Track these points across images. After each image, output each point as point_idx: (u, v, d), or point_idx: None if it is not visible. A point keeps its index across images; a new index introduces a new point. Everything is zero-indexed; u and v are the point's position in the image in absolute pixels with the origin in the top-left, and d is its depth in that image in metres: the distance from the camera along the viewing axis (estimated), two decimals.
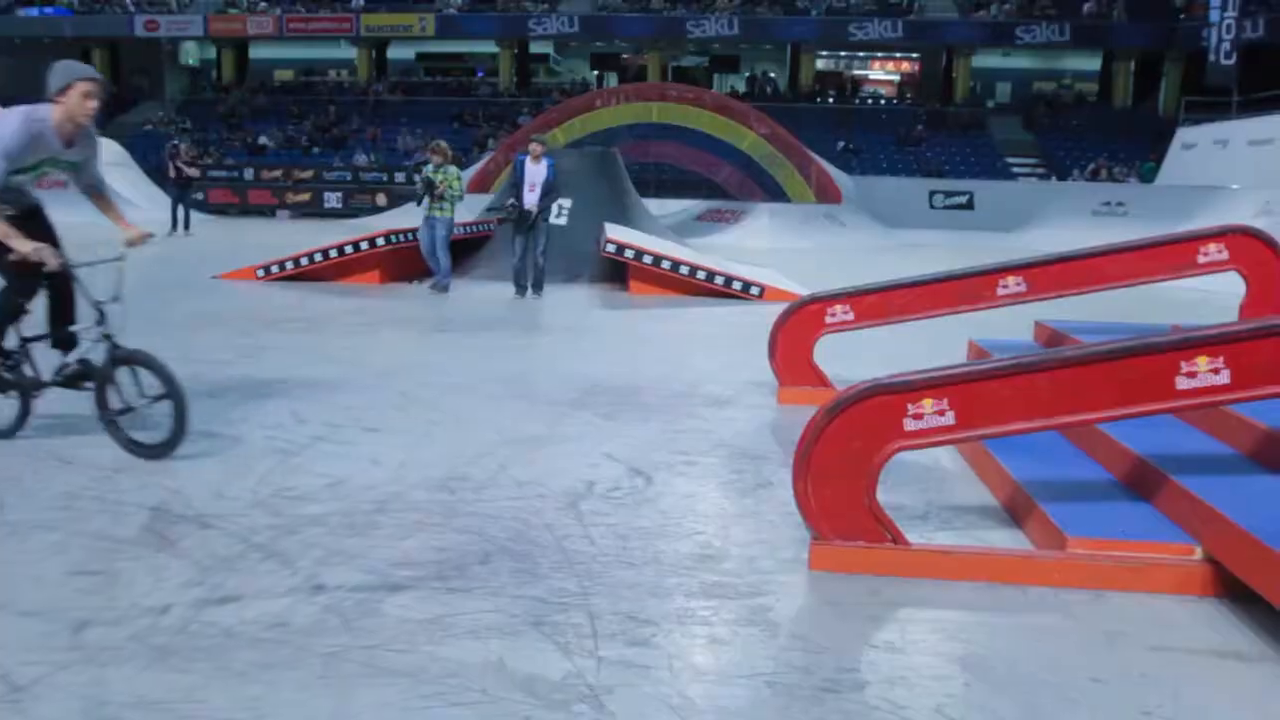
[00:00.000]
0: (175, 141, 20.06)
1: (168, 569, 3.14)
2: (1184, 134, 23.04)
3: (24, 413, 4.56)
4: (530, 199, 10.66)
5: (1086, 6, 32.70)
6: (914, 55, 38.38)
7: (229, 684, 2.44)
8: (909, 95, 38.10)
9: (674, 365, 6.94)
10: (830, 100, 35.50)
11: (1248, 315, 5.39)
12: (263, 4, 36.08)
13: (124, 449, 4.29)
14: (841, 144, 29.31)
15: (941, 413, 3.25)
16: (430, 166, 11.20)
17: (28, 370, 4.53)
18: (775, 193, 22.76)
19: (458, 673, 2.53)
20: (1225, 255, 5.46)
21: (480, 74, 39.58)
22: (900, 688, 2.55)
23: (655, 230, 14.13)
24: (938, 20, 33.60)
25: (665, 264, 11.13)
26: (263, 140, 31.97)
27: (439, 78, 39.15)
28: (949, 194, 22.84)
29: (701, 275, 11.04)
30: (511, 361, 7.15)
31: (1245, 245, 5.44)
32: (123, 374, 4.27)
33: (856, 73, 39.99)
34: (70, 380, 4.48)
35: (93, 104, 4.23)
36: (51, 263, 4.18)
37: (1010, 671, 2.67)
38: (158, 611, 2.83)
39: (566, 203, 12.67)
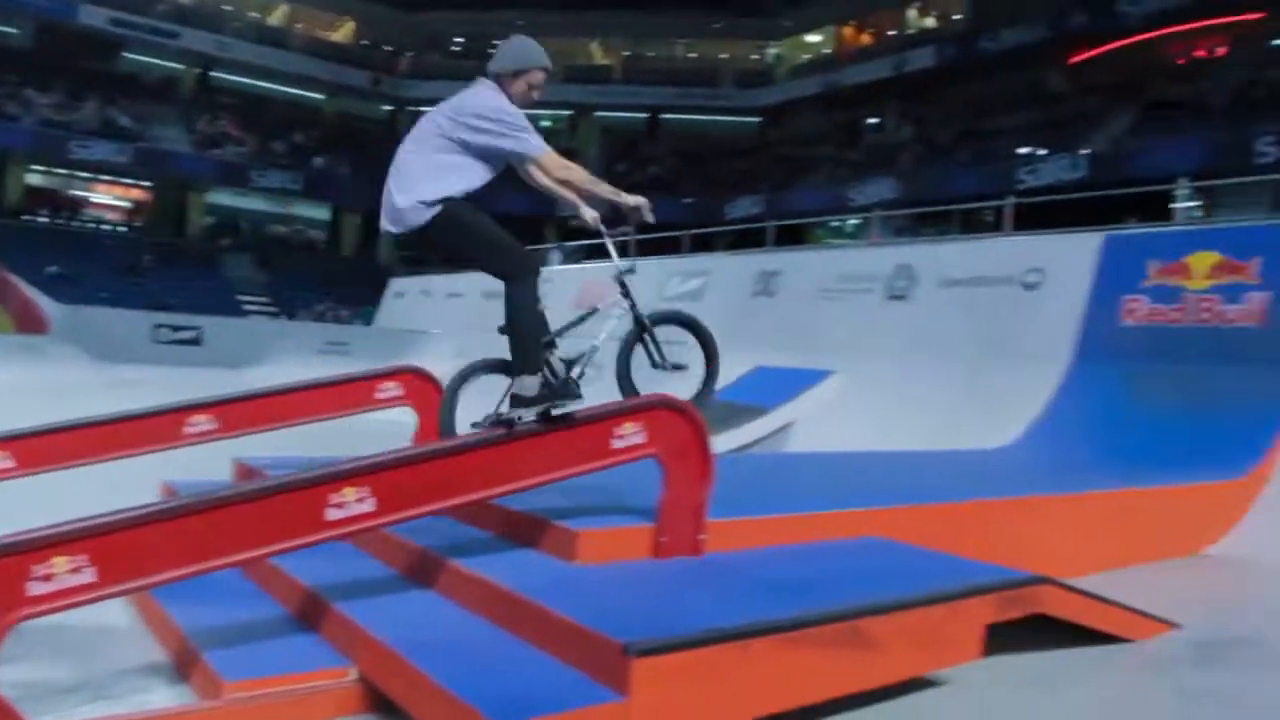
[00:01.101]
0: None
1: None
2: (397, 284, 25.79)
3: None
4: None
5: (316, 161, 35.08)
6: (146, 183, 36.74)
7: None
8: (139, 224, 36.17)
9: None
10: (44, 219, 31.99)
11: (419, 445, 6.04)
12: None
13: None
14: (54, 269, 26.41)
15: (78, 570, 2.92)
16: None
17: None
18: None
19: None
20: (400, 392, 6.08)
21: None
22: None
23: None
24: (170, 151, 32.82)
25: None
26: None
27: None
28: (176, 328, 21.97)
29: None
30: None
31: (415, 383, 6.13)
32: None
33: (78, 193, 36.71)
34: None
35: (537, 96, 4.08)
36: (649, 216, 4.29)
37: None
38: None
39: None
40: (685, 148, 36.57)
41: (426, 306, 22.96)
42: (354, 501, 3.41)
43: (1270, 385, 8.12)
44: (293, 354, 20.20)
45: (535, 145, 4.05)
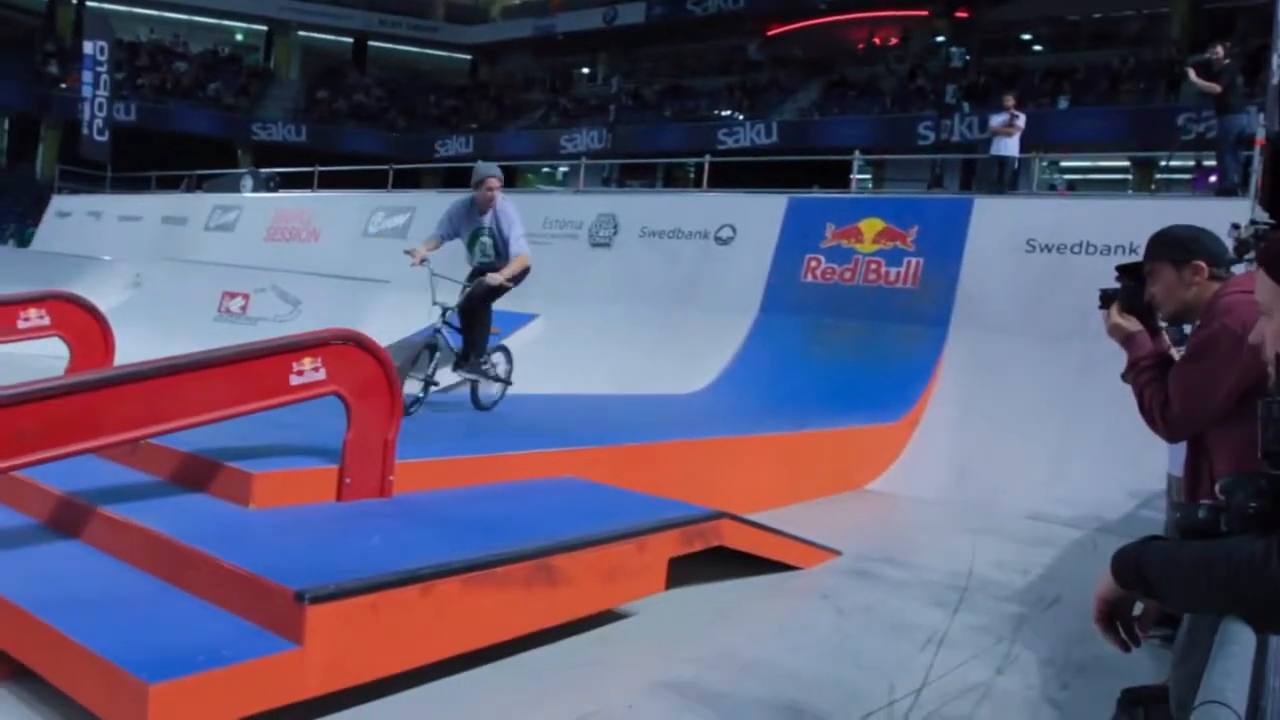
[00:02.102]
0: None
1: None
2: (60, 202, 22.77)
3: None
4: None
5: None
6: None
7: None
8: None
9: None
10: None
11: None
12: None
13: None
14: None
15: None
16: None
17: None
18: None
19: None
20: (47, 321, 5.32)
21: None
22: None
23: None
24: None
25: None
26: None
27: None
28: None
29: None
30: None
31: (68, 311, 5.39)
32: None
33: None
34: None
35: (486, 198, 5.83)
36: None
37: None
38: None
39: None
40: (393, 79, 35.02)
41: (96, 229, 20.50)
42: None
43: (922, 341, 9.13)
44: None
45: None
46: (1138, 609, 1.38)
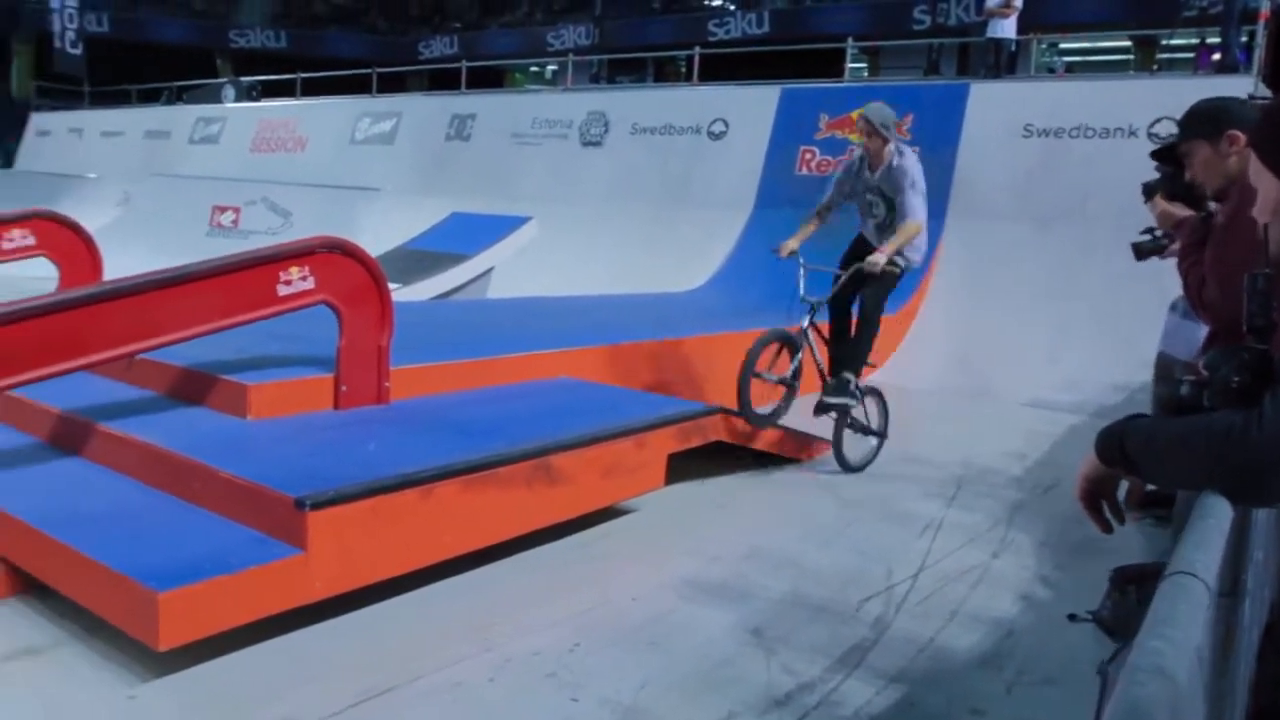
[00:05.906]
0: None
1: None
2: (39, 120, 22.30)
3: None
4: None
5: None
6: None
7: None
8: None
9: None
10: None
11: None
12: None
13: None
14: None
15: None
16: None
17: None
18: None
19: None
20: (32, 241, 5.26)
21: None
22: None
23: None
24: None
25: None
26: None
27: None
28: None
29: None
30: None
31: (52, 230, 5.33)
32: None
33: None
34: None
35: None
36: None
37: None
38: None
39: None
40: None
41: (79, 147, 20.15)
42: None
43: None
44: None
45: None
46: (1123, 489, 1.39)
